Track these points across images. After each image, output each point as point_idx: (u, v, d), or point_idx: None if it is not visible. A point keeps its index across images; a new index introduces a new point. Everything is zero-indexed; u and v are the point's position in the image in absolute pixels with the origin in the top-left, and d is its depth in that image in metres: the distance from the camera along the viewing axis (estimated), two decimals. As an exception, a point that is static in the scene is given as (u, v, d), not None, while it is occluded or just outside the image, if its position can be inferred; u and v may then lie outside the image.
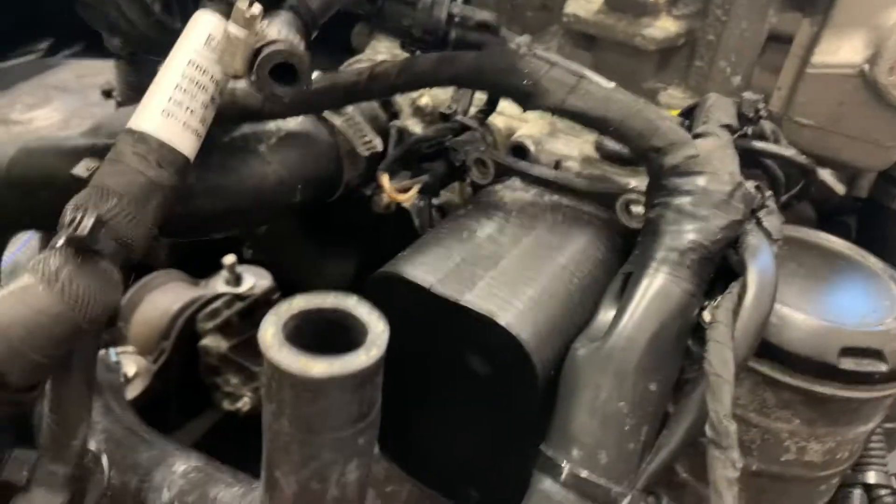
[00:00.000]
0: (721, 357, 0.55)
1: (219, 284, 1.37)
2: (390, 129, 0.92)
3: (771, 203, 0.65)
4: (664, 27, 0.88)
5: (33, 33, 0.80)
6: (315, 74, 0.67)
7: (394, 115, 0.94)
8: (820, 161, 0.82)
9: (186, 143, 0.57)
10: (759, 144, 0.74)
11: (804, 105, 0.83)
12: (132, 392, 1.19)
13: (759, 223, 0.64)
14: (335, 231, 1.14)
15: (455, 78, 0.73)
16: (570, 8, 0.93)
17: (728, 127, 0.68)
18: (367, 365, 0.42)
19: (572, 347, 0.61)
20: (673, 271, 0.60)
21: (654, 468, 0.57)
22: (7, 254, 1.09)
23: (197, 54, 0.58)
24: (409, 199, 0.81)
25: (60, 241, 0.52)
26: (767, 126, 0.78)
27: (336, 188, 0.85)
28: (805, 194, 0.79)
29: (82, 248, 0.51)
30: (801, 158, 0.74)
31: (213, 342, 1.29)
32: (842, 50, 0.79)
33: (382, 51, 1.01)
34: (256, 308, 1.32)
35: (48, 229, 0.55)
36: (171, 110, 0.57)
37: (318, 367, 0.41)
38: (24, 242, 1.16)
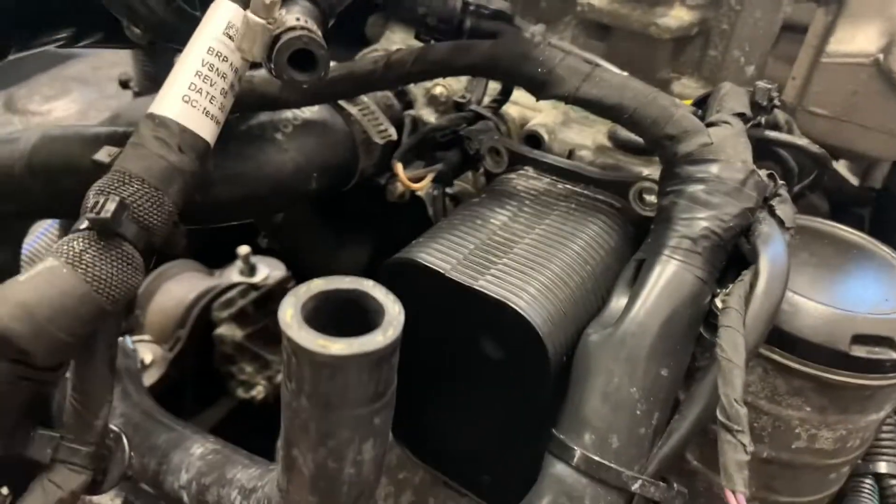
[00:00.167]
0: (732, 342, 0.55)
1: (233, 274, 1.39)
2: (405, 119, 0.93)
3: (783, 192, 0.66)
4: (678, 16, 0.88)
5: (55, 22, 0.82)
6: (331, 64, 0.68)
7: (408, 104, 0.95)
8: (834, 151, 0.82)
9: (206, 129, 0.58)
10: (772, 134, 0.74)
11: (818, 95, 0.83)
12: (148, 380, 1.21)
13: (771, 211, 0.64)
14: (350, 219, 1.15)
15: (470, 67, 0.73)
16: (584, -3, 0.94)
17: (741, 115, 0.68)
18: (384, 345, 0.43)
19: (585, 333, 0.62)
20: (685, 258, 0.60)
21: (665, 453, 0.58)
22: (27, 242, 1.11)
23: (216, 42, 0.59)
24: (423, 187, 0.82)
25: (84, 225, 0.53)
26: (781, 116, 0.78)
27: (351, 177, 0.86)
28: (818, 184, 0.79)
29: (105, 232, 0.52)
30: (815, 148, 0.74)
31: (228, 331, 1.30)
32: (856, 39, 0.79)
33: (397, 41, 1.02)
34: (271, 298, 1.34)
35: (70, 217, 0.56)
36: (192, 97, 0.58)
37: (337, 346, 0.42)
38: (44, 231, 1.18)
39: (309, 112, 0.80)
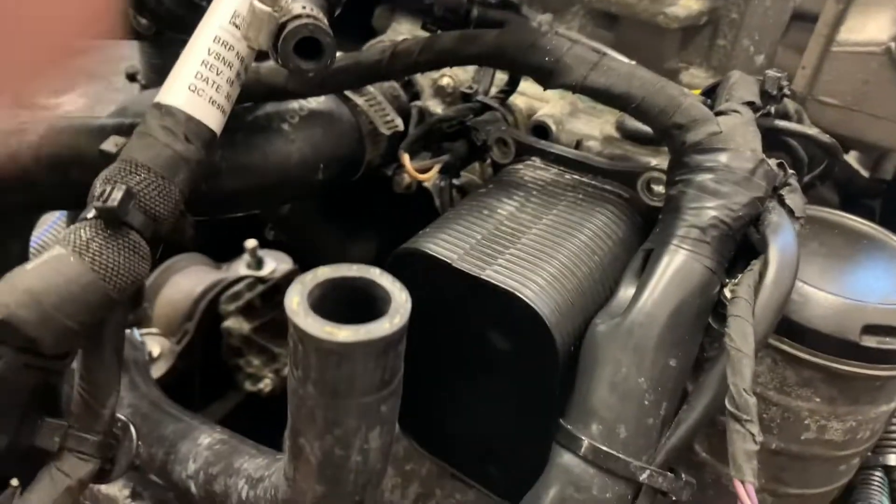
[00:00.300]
0: (741, 331, 0.55)
1: (241, 267, 1.39)
2: (411, 109, 0.93)
3: (793, 181, 0.65)
4: (687, 5, 0.88)
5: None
6: (337, 55, 0.68)
7: (415, 95, 0.95)
8: (844, 141, 0.81)
9: (213, 118, 0.58)
10: (781, 123, 0.73)
11: (829, 84, 0.82)
12: (156, 372, 1.22)
13: (781, 201, 0.63)
14: (357, 210, 1.15)
15: (477, 56, 0.73)
16: (591, -13, 0.93)
17: (751, 104, 0.68)
18: (391, 332, 0.43)
19: (592, 323, 0.61)
20: (694, 248, 0.60)
21: (672, 444, 0.57)
22: (36, 234, 1.11)
23: (223, 30, 0.59)
24: (429, 178, 0.82)
25: (91, 213, 0.53)
26: (791, 105, 0.77)
27: (358, 168, 0.86)
28: (828, 175, 0.78)
29: (112, 220, 0.52)
30: (825, 138, 0.73)
31: (236, 324, 1.31)
32: (867, 28, 0.78)
33: (404, 32, 1.01)
34: (277, 290, 1.34)
35: (77, 208, 0.56)
36: (198, 86, 0.58)
37: (344, 333, 0.42)
38: (52, 224, 1.18)
39: (315, 103, 0.80)
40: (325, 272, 0.46)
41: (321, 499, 0.53)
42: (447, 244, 0.67)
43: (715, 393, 0.57)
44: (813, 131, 0.74)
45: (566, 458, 0.57)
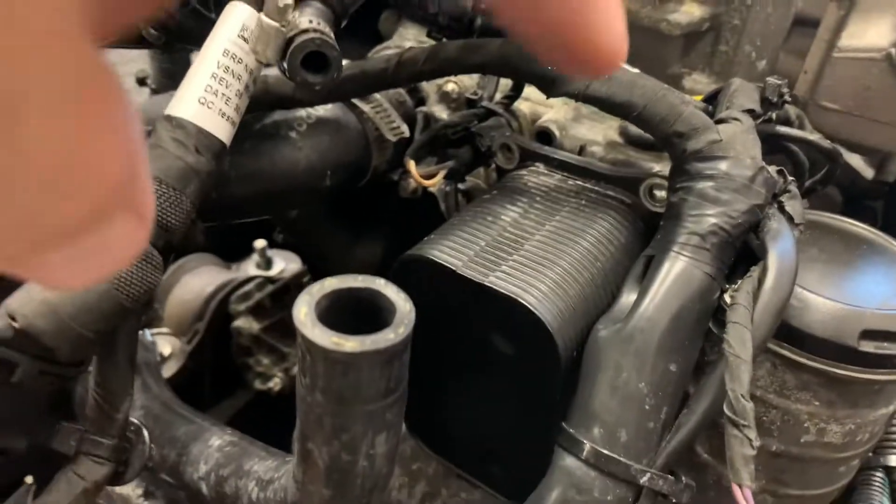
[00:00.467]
0: (739, 338, 0.56)
1: (250, 268, 1.41)
2: (417, 116, 0.94)
3: (793, 188, 0.66)
4: (689, 12, 0.88)
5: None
6: (343, 63, 0.69)
7: (420, 101, 0.96)
8: (847, 146, 0.82)
9: (222, 130, 0.60)
10: (782, 129, 0.74)
11: (830, 89, 0.83)
12: (167, 372, 1.23)
13: (780, 207, 0.64)
14: (364, 215, 1.16)
15: (481, 65, 0.74)
16: (595, -7, 0.94)
17: (751, 112, 0.69)
18: (396, 342, 0.44)
19: (594, 328, 0.63)
20: (694, 255, 0.61)
21: (673, 447, 0.59)
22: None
23: (231, 44, 0.60)
24: (435, 183, 0.83)
25: (104, 224, 0.54)
26: (792, 111, 0.78)
27: (365, 173, 0.87)
28: (829, 179, 0.79)
29: (125, 231, 0.54)
30: (825, 143, 0.74)
31: (246, 324, 1.32)
32: (868, 34, 0.79)
33: (410, 37, 1.03)
34: (287, 291, 1.36)
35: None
36: (208, 98, 0.59)
37: (350, 343, 0.43)
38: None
39: (322, 110, 0.82)
40: (331, 283, 0.47)
41: (329, 501, 0.54)
42: (451, 251, 0.68)
43: (714, 398, 0.58)
44: (814, 137, 0.74)
45: (568, 461, 0.58)
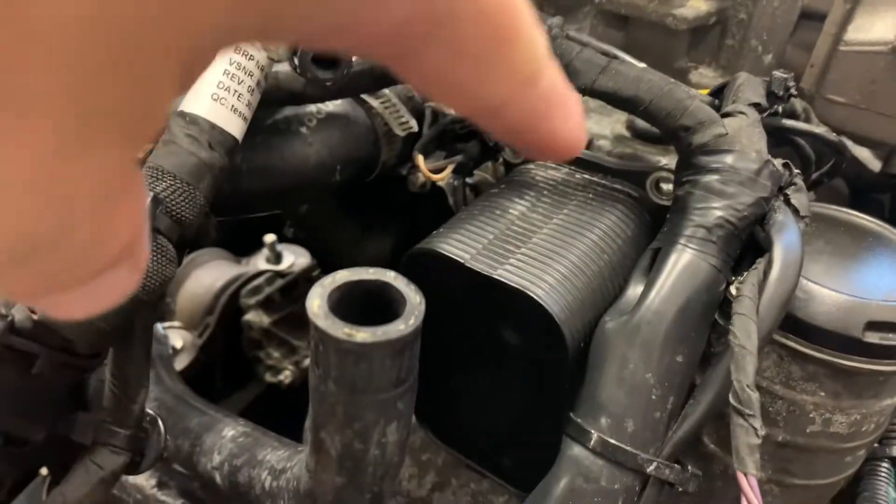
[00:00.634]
0: (745, 329, 0.56)
1: (260, 262, 1.42)
2: (425, 110, 0.94)
3: (799, 180, 0.67)
4: (696, 6, 0.89)
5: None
6: (353, 58, 0.70)
7: (429, 96, 0.96)
8: (853, 139, 0.82)
9: (235, 126, 0.61)
10: (788, 122, 0.75)
11: (837, 82, 0.83)
12: (179, 365, 1.25)
13: (786, 200, 0.65)
14: (373, 209, 1.17)
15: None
16: (602, -12, 0.95)
17: (757, 105, 0.69)
18: (406, 333, 0.45)
19: (602, 320, 0.63)
20: (700, 247, 0.62)
21: (679, 437, 0.59)
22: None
23: (243, 41, 0.61)
24: (443, 178, 0.84)
25: (121, 219, 0.55)
26: (798, 104, 0.79)
27: (374, 168, 0.88)
28: (836, 172, 0.79)
29: (141, 225, 0.55)
30: (831, 136, 0.75)
31: (256, 317, 1.33)
32: (875, 27, 0.79)
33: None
34: (296, 285, 1.37)
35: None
36: (220, 94, 0.60)
37: (362, 334, 0.44)
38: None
39: (332, 106, 0.82)
40: (343, 275, 0.48)
41: (341, 489, 0.55)
42: (460, 244, 0.69)
43: (720, 388, 0.59)
44: (820, 130, 0.75)
45: (576, 451, 0.59)
